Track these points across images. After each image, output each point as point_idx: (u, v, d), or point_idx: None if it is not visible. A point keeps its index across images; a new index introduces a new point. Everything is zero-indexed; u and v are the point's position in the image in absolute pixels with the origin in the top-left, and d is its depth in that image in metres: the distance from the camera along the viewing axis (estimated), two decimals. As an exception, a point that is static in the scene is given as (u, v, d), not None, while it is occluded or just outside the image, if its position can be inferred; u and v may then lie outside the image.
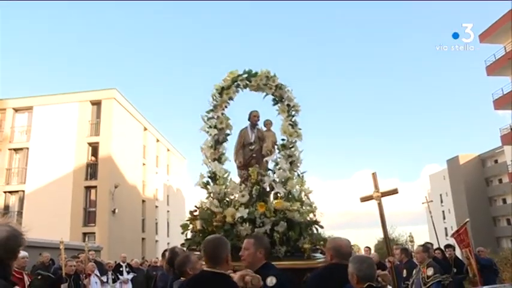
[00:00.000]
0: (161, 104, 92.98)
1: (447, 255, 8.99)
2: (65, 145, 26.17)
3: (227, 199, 5.21)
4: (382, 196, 5.45)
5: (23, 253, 7.85)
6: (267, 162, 5.62)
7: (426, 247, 7.04)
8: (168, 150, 38.70)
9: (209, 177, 5.38)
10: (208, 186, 5.27)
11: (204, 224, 4.97)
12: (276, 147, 5.75)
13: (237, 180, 5.69)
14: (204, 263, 3.96)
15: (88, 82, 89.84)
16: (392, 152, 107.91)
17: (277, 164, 5.46)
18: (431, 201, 14.88)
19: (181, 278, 3.79)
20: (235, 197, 5.22)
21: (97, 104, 27.36)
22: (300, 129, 5.73)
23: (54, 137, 26.24)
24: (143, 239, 30.70)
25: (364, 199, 5.96)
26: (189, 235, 5.42)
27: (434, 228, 13.17)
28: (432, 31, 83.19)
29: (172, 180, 38.76)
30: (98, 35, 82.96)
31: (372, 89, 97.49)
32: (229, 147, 5.82)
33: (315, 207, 5.15)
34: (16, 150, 27.28)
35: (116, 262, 13.25)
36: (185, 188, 42.02)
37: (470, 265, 8.12)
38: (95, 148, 26.71)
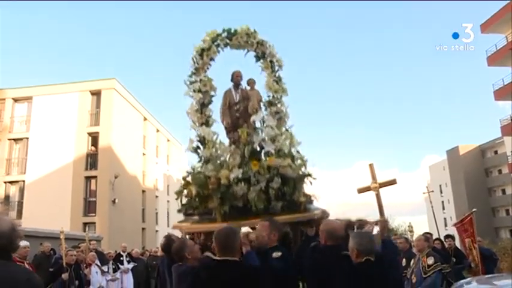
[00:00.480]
0: (161, 94, 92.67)
1: (447, 245, 9.03)
2: (65, 135, 26.15)
3: (219, 161, 5.17)
4: (380, 187, 5.39)
5: (24, 243, 7.86)
6: (254, 122, 5.55)
7: (426, 237, 7.07)
8: (168, 140, 38.68)
9: (198, 141, 5.32)
10: (198, 151, 5.23)
11: (200, 188, 4.95)
12: (261, 104, 5.67)
13: (226, 142, 5.63)
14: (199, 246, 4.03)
15: (88, 72, 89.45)
16: (392, 143, 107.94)
17: (264, 122, 5.39)
18: (433, 191, 14.92)
19: (180, 263, 3.85)
20: (226, 158, 5.18)
21: (97, 94, 27.29)
22: (284, 84, 5.65)
23: (54, 127, 26.21)
24: (143, 229, 30.83)
25: (362, 190, 5.87)
26: (184, 201, 5.41)
27: (435, 218, 13.20)
28: (432, 30, 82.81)
29: (172, 170, 38.80)
30: (97, 25, 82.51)
31: (371, 80, 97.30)
32: (215, 109, 5.71)
33: (305, 160, 5.11)
34: (16, 140, 27.26)
35: (116, 252, 13.28)
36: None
37: (472, 255, 8.11)
38: (94, 138, 26.69)
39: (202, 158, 5.12)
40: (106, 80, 27.55)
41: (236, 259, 2.86)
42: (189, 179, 5.20)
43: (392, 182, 5.40)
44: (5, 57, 57.37)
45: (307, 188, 5.07)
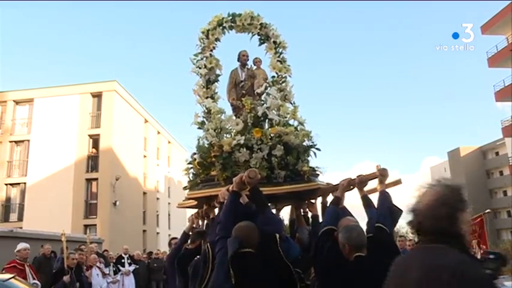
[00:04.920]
0: (162, 96, 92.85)
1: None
2: (66, 137, 26.20)
3: (225, 134, 5.24)
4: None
5: (24, 245, 7.87)
6: (258, 94, 5.65)
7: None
8: (169, 142, 38.71)
9: (204, 117, 5.41)
10: (204, 126, 5.30)
11: (202, 157, 5.02)
12: (267, 83, 5.80)
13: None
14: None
15: (89, 74, 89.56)
16: (393, 144, 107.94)
17: (268, 94, 5.51)
18: (438, 192, 14.87)
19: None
20: (231, 128, 5.25)
21: (98, 96, 27.36)
22: (288, 65, 5.79)
23: (55, 129, 26.26)
24: (144, 231, 30.81)
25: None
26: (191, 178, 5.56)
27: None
28: (432, 30, 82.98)
29: (173, 172, 38.82)
30: (98, 27, 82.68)
31: (371, 81, 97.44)
32: (221, 91, 5.84)
33: (310, 131, 5.15)
34: (17, 142, 27.32)
35: (118, 254, 13.32)
36: (186, 180, 41.99)
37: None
38: (95, 140, 26.74)
39: (208, 131, 5.19)
40: (107, 82, 27.63)
41: (254, 251, 3.18)
42: (196, 156, 5.27)
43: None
44: (6, 60, 57.49)
45: (312, 161, 5.09)
